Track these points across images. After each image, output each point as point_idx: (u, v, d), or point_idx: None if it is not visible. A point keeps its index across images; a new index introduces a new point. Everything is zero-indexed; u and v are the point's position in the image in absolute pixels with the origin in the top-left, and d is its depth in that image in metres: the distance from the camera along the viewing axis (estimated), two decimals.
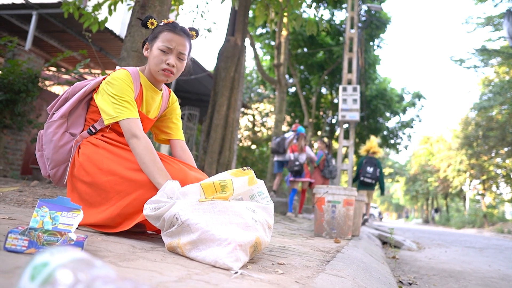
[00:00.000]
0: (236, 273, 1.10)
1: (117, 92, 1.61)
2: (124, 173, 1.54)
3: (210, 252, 1.17)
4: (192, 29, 1.80)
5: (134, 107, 1.63)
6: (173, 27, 1.70)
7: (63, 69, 8.82)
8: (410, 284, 2.63)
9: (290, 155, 6.61)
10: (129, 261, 1.06)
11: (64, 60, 8.98)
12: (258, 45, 15.48)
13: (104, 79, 1.70)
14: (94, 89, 1.75)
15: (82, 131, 1.76)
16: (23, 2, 7.17)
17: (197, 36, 1.82)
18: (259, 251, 1.38)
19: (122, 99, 1.60)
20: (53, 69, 8.48)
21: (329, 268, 1.46)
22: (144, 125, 1.78)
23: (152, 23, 1.74)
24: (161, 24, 1.73)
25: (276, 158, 7.27)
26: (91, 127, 1.74)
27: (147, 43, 1.77)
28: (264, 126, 18.38)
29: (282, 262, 1.43)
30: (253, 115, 18.26)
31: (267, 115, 18.57)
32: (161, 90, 1.85)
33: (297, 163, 6.44)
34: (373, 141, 7.62)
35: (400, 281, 2.63)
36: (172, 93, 2.02)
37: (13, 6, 7.22)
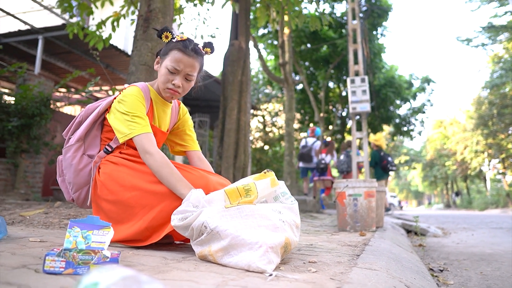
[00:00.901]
0: (270, 275, 1.10)
1: (129, 108, 1.61)
2: (147, 186, 1.55)
3: (242, 257, 1.18)
4: (207, 45, 1.77)
5: (146, 122, 1.63)
6: (184, 47, 1.67)
7: (72, 89, 8.96)
8: (441, 271, 2.59)
9: (322, 155, 7.97)
10: (164, 273, 1.07)
11: (73, 80, 9.11)
12: (261, 45, 15.48)
13: (115, 98, 1.71)
14: (107, 109, 1.76)
15: (99, 152, 1.78)
16: (29, 28, 7.31)
17: (212, 51, 1.78)
18: (289, 251, 1.38)
19: (134, 115, 1.61)
20: (63, 90, 8.63)
21: (361, 262, 1.45)
22: (158, 139, 1.79)
23: (166, 37, 1.72)
24: (174, 40, 1.71)
25: (301, 165, 8.24)
26: (107, 146, 1.76)
27: (159, 56, 1.77)
28: (275, 125, 18.37)
29: (313, 260, 1.42)
30: (263, 116, 18.26)
31: (276, 114, 18.55)
32: (170, 103, 1.87)
33: (323, 161, 7.74)
34: (379, 135, 8.76)
35: (431, 269, 2.59)
36: (182, 105, 2.02)
37: (20, 32, 7.37)
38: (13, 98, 6.41)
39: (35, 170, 6.70)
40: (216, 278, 1.03)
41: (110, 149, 1.75)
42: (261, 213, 1.29)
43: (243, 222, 1.26)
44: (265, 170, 1.53)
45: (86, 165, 1.75)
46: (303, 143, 8.41)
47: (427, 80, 18.47)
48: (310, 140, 8.32)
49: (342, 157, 8.56)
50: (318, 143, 8.25)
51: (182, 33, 1.82)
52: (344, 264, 1.42)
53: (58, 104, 7.14)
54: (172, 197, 1.51)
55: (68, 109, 9.45)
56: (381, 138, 9.07)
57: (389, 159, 8.50)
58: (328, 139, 9.62)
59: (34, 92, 6.29)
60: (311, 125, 16.80)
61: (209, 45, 1.77)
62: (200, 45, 1.75)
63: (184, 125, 1.99)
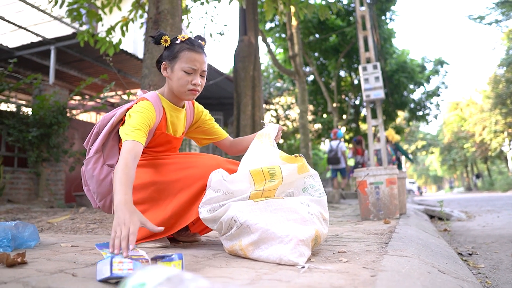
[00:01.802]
0: (303, 267, 1.10)
1: (136, 122, 1.57)
2: (165, 178, 1.61)
3: (273, 251, 1.18)
4: (200, 38, 1.76)
5: (141, 134, 1.55)
6: (192, 45, 1.66)
7: (87, 96, 9.09)
8: (470, 254, 2.55)
9: (357, 157, 9.21)
10: (197, 271, 1.08)
11: (86, 87, 9.23)
12: (269, 39, 15.41)
13: (129, 108, 1.69)
14: (121, 120, 1.74)
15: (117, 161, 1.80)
16: (41, 39, 7.43)
17: (205, 43, 1.78)
18: (319, 244, 1.37)
19: (135, 128, 1.56)
20: (78, 97, 8.76)
21: (391, 249, 1.44)
22: (173, 145, 1.84)
23: (166, 41, 1.70)
24: (177, 41, 1.68)
25: (331, 167, 9.32)
26: None
27: (164, 62, 1.71)
28: (288, 119, 18.31)
29: (342, 250, 1.41)
30: (276, 110, 18.22)
31: (289, 107, 18.49)
32: (183, 107, 1.85)
33: (360, 164, 9.17)
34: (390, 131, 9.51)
35: (459, 253, 2.56)
36: (196, 104, 1.99)
37: (32, 44, 7.50)
38: (31, 109, 6.54)
39: (56, 177, 6.84)
40: (249, 273, 1.04)
41: None
42: (290, 207, 1.29)
43: (273, 215, 1.26)
44: (297, 154, 1.53)
45: (107, 175, 1.76)
46: (328, 147, 9.19)
47: (440, 62, 18.13)
48: (334, 143, 8.97)
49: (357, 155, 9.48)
50: (343, 144, 8.96)
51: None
52: (374, 252, 1.41)
53: (74, 112, 7.26)
54: (192, 185, 1.56)
55: (83, 116, 9.59)
56: (390, 132, 9.57)
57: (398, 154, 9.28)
58: (343, 137, 10.35)
59: (50, 102, 6.40)
60: (335, 128, 17.04)
61: (202, 38, 1.76)
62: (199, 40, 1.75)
63: (204, 123, 1.99)
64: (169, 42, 1.70)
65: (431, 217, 5.44)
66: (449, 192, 45.82)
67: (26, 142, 6.12)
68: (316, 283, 0.92)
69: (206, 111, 2.03)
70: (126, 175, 1.34)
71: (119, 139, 1.80)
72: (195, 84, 1.67)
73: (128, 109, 1.69)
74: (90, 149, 1.80)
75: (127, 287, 0.53)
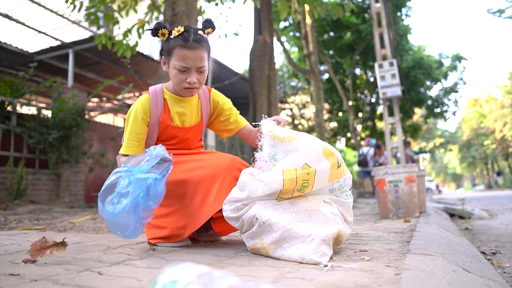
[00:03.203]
0: (325, 266, 1.09)
1: (129, 128, 1.65)
2: (176, 177, 1.56)
3: (295, 250, 1.18)
4: (207, 25, 1.62)
5: (133, 143, 1.64)
6: (186, 41, 1.55)
7: (104, 98, 9.24)
8: (494, 253, 2.50)
9: (376, 157, 10.02)
10: (220, 270, 1.09)
11: (104, 89, 9.39)
12: (283, 38, 15.37)
13: None
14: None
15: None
16: (59, 43, 7.59)
17: (214, 29, 1.65)
18: (340, 244, 1.37)
19: (129, 138, 1.64)
20: (95, 99, 8.91)
21: (413, 248, 1.42)
22: (185, 136, 1.76)
23: (163, 34, 1.59)
24: (172, 36, 1.58)
25: (360, 169, 10.51)
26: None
27: (163, 57, 1.66)
28: (304, 117, 18.24)
29: (364, 249, 1.40)
30: (291, 109, 18.17)
31: (304, 106, 18.41)
32: (192, 96, 1.73)
33: (377, 163, 9.86)
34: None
35: (483, 252, 2.50)
36: (213, 92, 1.86)
37: (51, 49, 7.66)
38: (50, 112, 6.68)
39: (76, 178, 6.97)
40: (272, 272, 1.04)
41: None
42: (313, 208, 1.28)
43: (295, 215, 1.25)
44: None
45: None
46: (360, 151, 10.49)
47: (458, 58, 17.76)
48: (365, 149, 10.30)
49: (399, 154, 9.77)
50: (371, 150, 10.14)
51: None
52: (396, 251, 1.39)
53: (92, 113, 7.39)
54: (203, 187, 1.54)
55: (101, 118, 9.75)
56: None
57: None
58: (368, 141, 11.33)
59: (69, 104, 6.53)
60: (365, 137, 17.39)
61: (208, 25, 1.62)
62: (200, 31, 1.61)
63: (221, 113, 1.86)
64: (166, 36, 1.59)
65: (451, 215, 5.35)
66: (469, 190, 44.91)
67: (47, 144, 6.25)
68: (340, 282, 0.92)
69: (225, 101, 1.88)
70: None
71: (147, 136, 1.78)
72: (190, 82, 1.60)
73: None
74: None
75: (158, 285, 0.54)
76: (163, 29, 1.58)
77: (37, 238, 2.00)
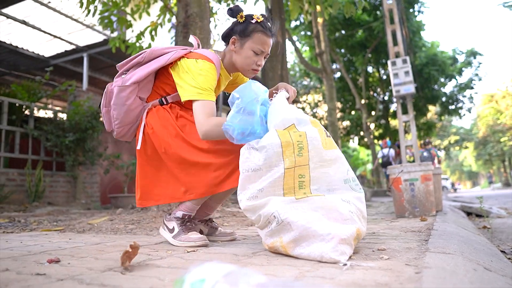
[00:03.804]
0: (345, 265, 1.10)
1: (202, 84, 1.64)
2: (186, 155, 1.66)
3: (314, 248, 1.18)
4: (270, 20, 1.78)
5: (212, 93, 1.67)
6: (265, 28, 1.72)
7: None
8: None
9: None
10: (238, 267, 1.10)
11: None
12: (295, 37, 15.33)
13: (185, 56, 1.73)
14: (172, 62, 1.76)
15: (153, 99, 1.84)
16: (74, 47, 7.72)
17: (276, 27, 1.83)
18: (358, 241, 1.37)
19: (204, 89, 1.64)
20: None
21: (432, 247, 1.41)
22: None
23: (241, 17, 1.74)
24: (253, 21, 1.72)
25: (384, 170, 10.69)
26: (163, 99, 1.81)
27: (234, 37, 1.75)
28: (316, 117, 18.17)
29: (382, 248, 1.40)
30: (303, 108, 18.13)
31: (316, 105, 18.35)
32: (252, 76, 1.87)
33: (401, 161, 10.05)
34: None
35: (502, 251, 2.47)
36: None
37: (66, 53, 7.80)
38: (66, 115, 6.81)
39: (92, 180, 7.08)
40: (292, 271, 1.05)
41: (165, 102, 1.82)
42: (331, 206, 1.29)
43: (314, 213, 1.26)
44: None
45: (137, 106, 1.82)
46: (380, 154, 10.97)
47: (473, 54, 17.47)
48: (386, 150, 10.73)
49: (425, 153, 9.75)
50: (392, 151, 10.58)
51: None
52: (414, 249, 1.38)
53: None
54: (209, 167, 1.64)
55: None
56: None
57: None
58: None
59: (84, 107, 6.64)
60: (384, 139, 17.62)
61: (272, 21, 1.79)
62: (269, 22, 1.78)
63: (235, 79, 2.02)
64: (243, 19, 1.73)
65: (468, 214, 5.27)
66: (485, 188, 44.10)
67: (63, 146, 6.37)
68: (360, 280, 0.92)
69: (239, 74, 2.03)
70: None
71: (158, 78, 1.84)
72: (259, 65, 1.76)
73: (183, 56, 1.73)
74: (124, 74, 1.81)
75: (186, 283, 0.55)
76: (242, 12, 1.75)
77: (58, 238, 2.05)
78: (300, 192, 1.34)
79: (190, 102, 1.67)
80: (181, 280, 0.57)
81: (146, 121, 1.79)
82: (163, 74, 1.81)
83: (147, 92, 1.84)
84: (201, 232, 1.84)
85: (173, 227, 1.73)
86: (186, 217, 1.75)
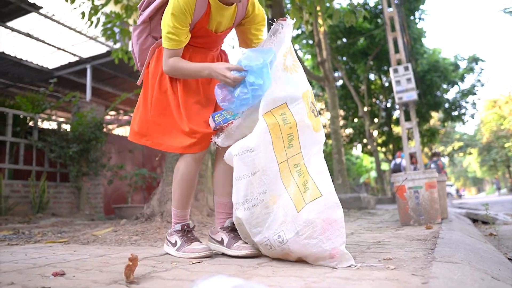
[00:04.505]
0: (355, 266, 1.11)
1: (174, 23, 1.60)
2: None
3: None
4: None
5: (181, 38, 1.65)
6: None
7: (121, 111, 9.41)
8: None
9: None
10: (245, 280, 1.09)
11: (121, 102, 9.58)
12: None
13: None
14: None
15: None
16: (78, 59, 7.79)
17: None
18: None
19: (173, 32, 1.61)
20: (113, 113, 9.08)
21: (439, 256, 1.40)
22: (213, 40, 1.80)
23: None
24: None
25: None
26: None
27: None
28: None
29: (388, 258, 1.39)
30: None
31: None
32: (232, 4, 1.72)
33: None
34: None
35: (510, 259, 2.44)
36: (252, 1, 1.81)
37: (70, 64, 7.87)
38: (70, 126, 6.84)
39: (95, 191, 7.09)
40: (297, 282, 1.04)
41: None
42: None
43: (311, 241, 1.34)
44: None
45: (149, 46, 1.84)
46: (392, 165, 11.54)
47: (475, 60, 17.46)
48: (398, 160, 11.23)
49: (432, 165, 10.16)
50: (404, 161, 10.71)
51: None
52: (421, 259, 1.37)
53: (110, 126, 7.53)
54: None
55: (119, 131, 9.92)
56: None
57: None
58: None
59: (88, 118, 6.67)
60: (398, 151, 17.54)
61: None
62: None
63: (250, 23, 1.85)
64: None
65: (474, 221, 5.23)
66: (491, 194, 43.76)
67: (67, 157, 6.39)
68: None
69: (260, 12, 1.85)
70: (191, 67, 1.66)
71: None
72: None
73: None
74: (141, 14, 1.84)
75: None
76: None
77: (62, 250, 2.05)
78: (301, 180, 1.38)
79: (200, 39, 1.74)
80: None
81: (149, 60, 1.83)
82: None
83: (160, 31, 1.76)
84: (221, 242, 1.70)
85: (175, 240, 1.73)
86: (185, 227, 1.76)
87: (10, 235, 3.14)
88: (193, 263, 1.47)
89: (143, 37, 1.83)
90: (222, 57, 1.95)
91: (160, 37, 1.78)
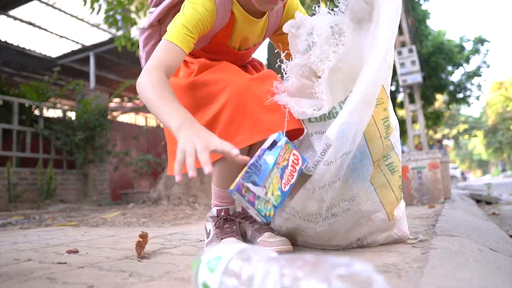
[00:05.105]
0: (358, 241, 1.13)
1: (185, 22, 1.18)
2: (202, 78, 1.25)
3: None
4: None
5: (187, 38, 1.17)
6: None
7: (125, 98, 9.44)
8: None
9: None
10: (253, 245, 1.14)
11: (124, 89, 9.60)
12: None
13: None
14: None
15: None
16: (80, 47, 7.79)
17: None
18: None
19: (186, 27, 1.17)
20: (117, 100, 9.11)
21: (439, 230, 1.44)
22: (231, 59, 1.37)
23: None
24: None
25: None
26: None
27: None
28: None
29: None
30: None
31: None
32: (263, 17, 1.36)
33: None
34: None
35: (511, 236, 2.48)
36: (289, 4, 1.42)
37: (72, 52, 7.88)
38: (75, 114, 6.90)
39: (102, 177, 7.18)
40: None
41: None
42: None
43: None
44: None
45: None
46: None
47: (481, 41, 17.23)
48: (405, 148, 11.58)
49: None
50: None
51: None
52: (421, 233, 1.41)
53: (115, 114, 7.57)
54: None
55: (123, 118, 9.97)
56: None
57: None
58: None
59: (92, 106, 6.72)
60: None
61: None
62: None
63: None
64: None
65: (478, 201, 5.26)
66: (496, 176, 43.72)
67: (73, 145, 6.46)
68: (368, 261, 0.95)
69: (298, 6, 1.45)
70: (165, 92, 1.03)
71: None
72: None
73: None
74: (151, 13, 1.43)
75: (202, 262, 0.59)
76: None
77: (73, 232, 2.11)
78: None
79: (220, 48, 1.32)
80: (198, 260, 0.61)
81: None
82: None
83: None
84: (243, 235, 1.34)
85: (209, 229, 1.32)
86: (222, 213, 1.31)
87: (22, 220, 3.23)
88: (201, 240, 1.52)
89: (151, 43, 1.43)
90: (257, 68, 1.54)
91: None
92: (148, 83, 1.06)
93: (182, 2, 1.30)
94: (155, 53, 1.14)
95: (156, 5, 1.42)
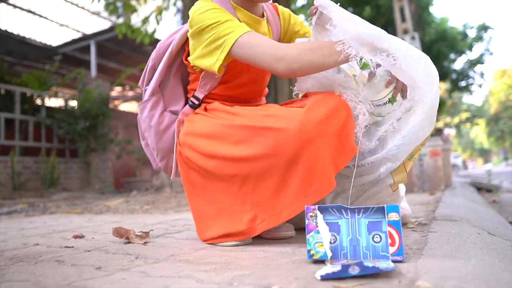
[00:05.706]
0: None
1: (210, 20, 1.12)
2: (225, 151, 1.09)
3: None
4: None
5: (238, 23, 1.14)
6: None
7: (127, 87, 9.43)
8: None
9: None
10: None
11: (126, 78, 9.58)
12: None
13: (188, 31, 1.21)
14: (184, 46, 1.30)
15: (184, 106, 1.34)
16: (81, 35, 7.76)
17: None
18: None
19: (218, 24, 1.12)
20: (118, 88, 9.10)
21: (439, 215, 1.46)
22: (254, 74, 1.30)
23: None
24: None
25: None
26: (192, 99, 1.30)
27: None
28: None
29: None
30: None
31: None
32: (262, 15, 1.34)
33: None
34: None
35: (511, 222, 2.50)
36: (280, 8, 1.43)
37: (73, 41, 7.85)
38: (76, 103, 6.91)
39: (104, 166, 7.21)
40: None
41: (197, 102, 1.29)
42: None
43: None
44: None
45: (169, 124, 1.32)
46: None
47: (484, 28, 17.08)
48: None
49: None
50: None
51: None
52: (422, 218, 1.43)
53: (116, 102, 7.59)
54: (259, 160, 1.04)
55: (125, 106, 9.96)
56: None
57: None
58: None
59: (94, 94, 6.72)
60: None
61: None
62: None
63: (291, 34, 1.45)
64: None
65: (478, 189, 5.29)
66: (498, 164, 43.72)
67: (75, 134, 6.48)
68: None
69: (296, 19, 1.46)
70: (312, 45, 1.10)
71: (182, 76, 1.38)
72: None
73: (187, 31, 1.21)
74: (146, 89, 1.35)
75: None
76: None
77: (78, 219, 2.14)
78: None
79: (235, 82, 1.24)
80: None
81: (177, 140, 1.28)
82: (188, 72, 1.34)
83: (180, 100, 1.36)
84: None
85: None
86: None
87: (26, 208, 3.26)
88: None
89: (157, 114, 1.32)
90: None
91: (181, 108, 1.33)
92: (303, 55, 1.08)
93: (178, 58, 1.32)
94: (258, 49, 1.09)
95: (148, 83, 1.36)
